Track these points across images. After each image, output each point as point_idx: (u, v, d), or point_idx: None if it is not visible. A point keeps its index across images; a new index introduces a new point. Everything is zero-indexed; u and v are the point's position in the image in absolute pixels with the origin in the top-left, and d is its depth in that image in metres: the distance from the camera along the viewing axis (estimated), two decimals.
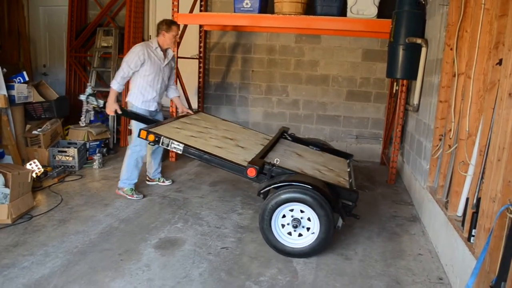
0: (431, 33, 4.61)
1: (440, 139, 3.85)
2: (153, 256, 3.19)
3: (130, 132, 6.51)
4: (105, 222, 3.78)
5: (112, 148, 6.35)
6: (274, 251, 3.34)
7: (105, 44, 6.94)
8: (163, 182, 4.92)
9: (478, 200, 2.65)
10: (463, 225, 2.92)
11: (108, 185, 4.78)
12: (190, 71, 6.98)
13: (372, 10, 5.40)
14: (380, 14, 5.42)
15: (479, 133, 2.85)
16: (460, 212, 3.10)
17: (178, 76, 5.96)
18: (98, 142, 5.94)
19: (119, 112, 4.34)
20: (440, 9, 4.18)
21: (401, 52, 4.75)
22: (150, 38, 7.20)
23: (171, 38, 4.37)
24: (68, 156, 5.26)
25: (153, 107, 4.51)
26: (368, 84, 6.60)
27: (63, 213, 3.93)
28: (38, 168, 4.82)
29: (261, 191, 3.42)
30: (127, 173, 4.43)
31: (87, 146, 5.73)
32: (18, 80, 5.34)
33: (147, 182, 4.86)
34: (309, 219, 3.27)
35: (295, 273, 3.07)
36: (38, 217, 3.80)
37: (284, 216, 3.30)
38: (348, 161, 4.50)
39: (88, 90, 4.36)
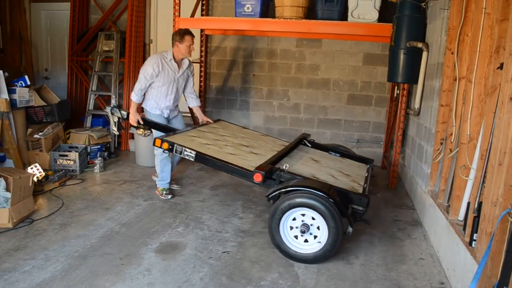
0: (432, 37, 4.62)
1: (441, 143, 3.84)
2: (154, 260, 3.19)
3: (131, 136, 6.54)
4: (106, 226, 3.77)
5: (113, 152, 6.35)
6: (275, 255, 3.34)
7: (107, 48, 6.96)
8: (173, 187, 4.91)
9: (480, 204, 2.65)
10: (464, 229, 2.92)
11: (109, 189, 4.78)
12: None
13: (373, 14, 5.41)
14: (381, 18, 5.43)
15: (480, 137, 2.84)
16: (461, 216, 3.09)
17: None
18: (99, 146, 5.94)
19: (141, 122, 4.50)
20: (441, 14, 4.19)
21: (402, 56, 4.76)
22: (152, 43, 7.22)
23: (185, 49, 4.39)
24: (69, 160, 5.27)
25: (166, 114, 4.64)
26: (369, 88, 6.60)
27: (64, 217, 3.93)
28: (40, 172, 4.82)
29: (269, 196, 3.41)
30: (160, 174, 4.55)
31: (88, 150, 5.73)
32: (20, 84, 5.35)
33: (153, 178, 4.88)
34: (318, 228, 3.26)
35: (296, 277, 3.06)
36: (39, 221, 3.80)
37: (294, 219, 3.30)
38: (368, 166, 4.46)
39: (112, 102, 4.47)
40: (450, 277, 3.11)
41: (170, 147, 3.78)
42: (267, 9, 5.92)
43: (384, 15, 5.44)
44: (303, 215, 3.27)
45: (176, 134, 4.15)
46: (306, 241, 3.30)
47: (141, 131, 5.52)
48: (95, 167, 5.46)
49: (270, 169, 3.42)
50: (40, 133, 5.46)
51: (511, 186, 2.18)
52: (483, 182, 2.67)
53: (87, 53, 7.43)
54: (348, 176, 3.92)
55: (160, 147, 3.83)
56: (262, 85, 6.93)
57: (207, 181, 5.31)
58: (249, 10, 5.60)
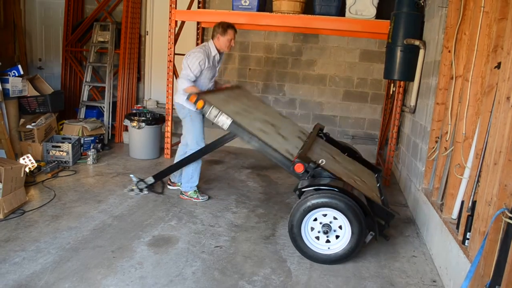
0: (429, 35, 4.61)
1: (436, 141, 3.84)
2: (146, 253, 3.17)
3: (125, 128, 6.49)
4: (98, 218, 3.75)
5: (107, 144, 6.31)
6: (268, 250, 3.33)
7: (102, 39, 6.88)
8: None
9: (474, 203, 2.65)
10: (457, 227, 2.92)
11: (102, 181, 4.74)
12: None
13: (370, 11, 5.38)
14: (379, 15, 5.41)
15: (476, 136, 2.84)
16: (455, 214, 3.10)
17: (175, 73, 5.93)
18: (92, 138, 5.90)
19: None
20: (439, 11, 4.17)
21: (399, 54, 4.74)
22: (147, 34, 7.16)
23: (225, 42, 4.21)
24: (62, 151, 5.22)
25: None
26: (365, 84, 6.59)
27: (56, 208, 3.90)
28: (32, 163, 4.77)
29: (303, 189, 3.34)
30: (191, 175, 4.36)
31: (82, 141, 5.68)
32: (13, 74, 5.29)
33: (168, 187, 4.66)
34: (337, 237, 3.26)
35: (288, 273, 3.05)
36: (31, 213, 3.76)
37: (315, 219, 3.26)
38: (376, 175, 4.35)
39: (134, 179, 4.43)
40: (442, 275, 3.12)
41: (205, 107, 3.50)
42: (265, 3, 5.88)
43: (382, 11, 5.42)
44: (324, 215, 3.24)
45: (206, 94, 3.81)
46: (328, 241, 3.26)
47: (135, 123, 5.51)
48: (88, 159, 5.41)
49: (309, 161, 3.34)
50: (33, 124, 5.41)
51: (506, 185, 2.18)
52: (478, 181, 2.67)
53: (82, 44, 7.35)
54: (365, 184, 3.81)
55: (194, 103, 3.58)
56: (258, 80, 6.90)
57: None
58: (246, 4, 5.56)
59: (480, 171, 2.64)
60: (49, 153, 5.20)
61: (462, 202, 2.93)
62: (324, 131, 4.75)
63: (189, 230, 3.63)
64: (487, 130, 2.57)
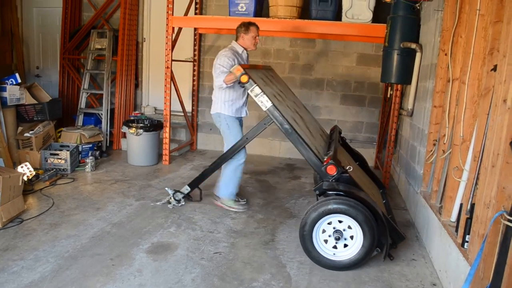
0: (425, 38, 4.62)
1: (434, 144, 3.85)
2: (145, 261, 3.16)
3: (123, 135, 6.49)
4: (97, 226, 3.73)
5: (105, 151, 6.30)
6: (267, 255, 3.32)
7: (99, 46, 6.90)
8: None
9: (472, 206, 2.65)
10: (457, 230, 2.92)
11: (100, 189, 4.73)
12: (184, 74, 6.96)
13: (367, 15, 5.41)
14: (375, 19, 5.43)
15: (474, 139, 2.84)
16: (454, 217, 3.09)
17: (172, 79, 5.93)
18: (90, 145, 5.89)
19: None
20: (435, 15, 4.19)
21: (395, 57, 4.76)
22: (145, 41, 7.17)
23: (250, 40, 4.20)
24: (60, 159, 5.21)
25: (244, 112, 4.34)
26: (363, 88, 6.60)
27: (55, 217, 3.89)
28: (30, 171, 4.76)
29: (329, 191, 3.29)
30: (229, 182, 4.32)
31: (80, 149, 5.68)
32: (11, 82, 5.29)
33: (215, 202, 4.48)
34: (345, 245, 3.25)
35: (288, 278, 3.04)
36: (29, 221, 3.75)
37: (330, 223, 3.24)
38: (381, 191, 4.31)
39: (169, 191, 4.36)
40: (442, 278, 3.11)
41: (248, 84, 3.45)
42: (261, 8, 5.91)
43: (378, 15, 5.45)
44: (340, 221, 3.21)
45: (251, 70, 3.71)
46: (335, 247, 3.25)
47: (133, 130, 5.51)
48: (87, 166, 5.41)
49: (340, 165, 3.31)
50: (31, 132, 5.40)
51: (504, 188, 2.18)
52: (476, 183, 2.67)
53: (79, 51, 7.37)
54: (375, 197, 3.72)
55: (238, 77, 3.54)
56: None
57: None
58: (243, 9, 5.58)
59: (478, 174, 2.64)
60: (47, 161, 5.19)
61: (461, 205, 2.93)
62: None
63: (188, 237, 3.62)
64: (485, 133, 2.57)
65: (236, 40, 4.27)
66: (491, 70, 2.59)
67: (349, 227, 3.20)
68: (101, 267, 3.02)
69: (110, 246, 3.36)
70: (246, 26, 4.19)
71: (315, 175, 4.95)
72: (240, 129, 4.32)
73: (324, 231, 3.24)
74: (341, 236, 3.19)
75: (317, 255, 3.22)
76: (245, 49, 4.27)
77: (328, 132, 4.76)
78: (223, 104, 4.21)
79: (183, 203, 4.36)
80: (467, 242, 2.67)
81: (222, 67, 4.02)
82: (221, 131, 4.36)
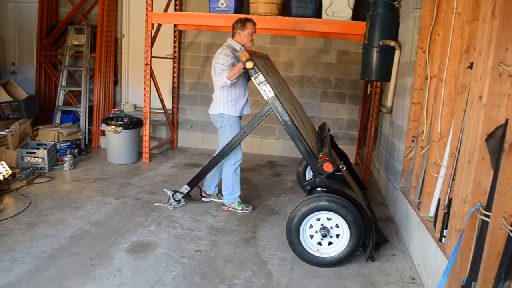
0: (404, 36, 4.67)
1: (413, 141, 3.90)
2: (125, 260, 3.12)
3: (102, 132, 6.40)
4: (76, 225, 3.68)
5: (84, 149, 6.21)
6: (248, 253, 3.33)
7: (77, 43, 6.78)
8: (219, 198, 4.51)
9: (450, 201, 2.69)
10: (435, 225, 2.96)
11: (79, 187, 4.66)
12: (164, 71, 6.90)
13: (347, 13, 5.44)
14: (355, 17, 5.47)
15: (451, 135, 2.89)
16: (432, 213, 3.14)
17: (152, 76, 5.87)
18: (69, 143, 5.80)
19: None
20: (413, 13, 4.24)
21: (375, 55, 4.79)
22: (124, 37, 7.08)
23: (247, 36, 4.11)
24: (37, 157, 5.11)
25: (246, 110, 4.30)
26: (343, 85, 6.65)
27: (32, 216, 3.81)
28: (6, 170, 4.63)
29: (314, 187, 3.33)
30: (232, 186, 4.25)
31: (58, 147, 5.58)
32: None
33: (203, 199, 4.51)
34: (330, 243, 3.27)
35: (269, 275, 3.05)
36: (5, 221, 3.67)
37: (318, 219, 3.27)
38: (362, 192, 4.27)
39: (168, 192, 4.27)
40: (421, 272, 3.16)
41: (253, 71, 3.40)
42: (242, 5, 5.89)
43: (358, 13, 5.49)
44: (329, 219, 3.24)
45: (255, 57, 3.65)
46: (319, 243, 3.28)
47: (112, 127, 5.44)
48: (65, 165, 5.32)
49: (335, 163, 3.33)
50: (7, 130, 5.29)
51: (480, 183, 2.22)
52: (453, 179, 2.72)
53: (57, 48, 7.24)
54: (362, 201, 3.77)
55: (244, 62, 3.46)
56: None
57: (180, 178, 5.25)
58: (223, 6, 5.55)
59: (455, 170, 2.68)
60: (24, 159, 5.09)
61: (439, 200, 2.98)
62: None
63: (169, 235, 3.60)
64: (461, 129, 2.61)
65: (233, 37, 4.18)
66: (468, 67, 2.63)
67: (337, 226, 3.23)
68: (80, 267, 2.98)
69: (89, 245, 3.31)
70: (243, 22, 4.11)
71: (298, 172, 4.99)
72: (240, 128, 4.24)
73: (311, 226, 3.26)
74: (327, 233, 3.21)
75: (301, 249, 3.24)
76: (242, 45, 4.14)
77: (317, 128, 4.77)
78: (226, 104, 4.12)
79: (184, 203, 4.30)
80: (444, 236, 2.71)
81: (222, 65, 3.94)
82: (221, 131, 4.27)
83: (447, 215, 2.69)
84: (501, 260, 1.90)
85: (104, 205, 4.19)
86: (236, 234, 3.71)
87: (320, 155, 3.38)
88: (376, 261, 3.36)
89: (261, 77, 3.43)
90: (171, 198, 4.24)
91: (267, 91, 3.45)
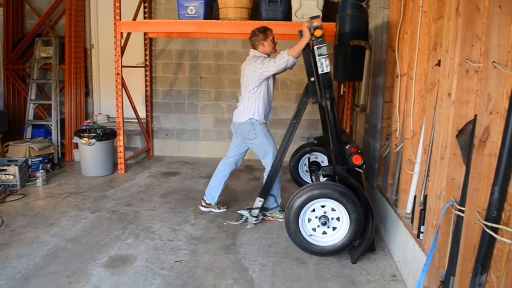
0: (374, 35, 4.72)
1: (387, 139, 3.94)
2: (103, 275, 3.05)
3: (76, 145, 6.26)
4: (51, 243, 3.57)
5: (57, 163, 6.06)
6: (229, 260, 3.29)
7: (45, 55, 6.62)
8: (219, 208, 4.45)
9: (425, 197, 2.72)
10: (412, 222, 2.99)
11: (53, 203, 4.54)
12: (136, 80, 6.81)
13: (316, 14, 5.46)
14: (325, 18, 5.48)
15: (423, 132, 2.92)
16: (409, 209, 3.17)
17: (123, 85, 5.78)
18: (41, 158, 5.65)
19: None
20: (381, 12, 4.29)
21: (346, 55, 4.83)
22: (93, 48, 6.96)
23: (270, 44, 4.11)
24: (8, 174, 4.95)
25: (270, 118, 4.29)
26: None
27: (4, 236, 3.69)
28: None
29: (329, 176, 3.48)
30: (272, 191, 4.13)
31: (29, 162, 5.42)
32: None
33: (202, 209, 4.39)
34: (324, 233, 3.33)
35: (251, 282, 3.02)
36: None
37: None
38: None
39: (244, 212, 4.12)
40: (401, 269, 3.18)
41: (322, 39, 3.43)
42: (211, 10, 5.86)
43: (327, 14, 5.52)
44: (333, 209, 3.30)
45: None
46: (324, 233, 3.33)
47: (85, 139, 5.32)
48: (37, 181, 5.18)
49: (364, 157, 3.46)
50: None
51: (453, 179, 2.25)
52: (427, 175, 2.75)
53: (24, 61, 7.06)
54: None
55: (312, 29, 3.50)
56: (210, 87, 6.85)
57: (157, 188, 5.18)
58: (193, 12, 5.51)
59: (429, 166, 2.71)
60: None
61: (415, 197, 3.01)
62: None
63: (147, 247, 3.53)
64: (433, 126, 2.64)
65: (256, 49, 4.10)
66: (436, 65, 2.67)
67: (338, 219, 3.29)
68: (56, 285, 2.89)
69: (65, 263, 3.22)
70: (263, 32, 4.05)
71: (290, 166, 5.17)
72: (271, 134, 4.20)
73: (314, 210, 3.31)
74: (327, 220, 3.27)
75: (295, 229, 3.27)
76: (268, 55, 4.11)
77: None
78: (256, 109, 4.03)
79: (262, 216, 4.15)
80: (422, 233, 2.74)
81: (264, 59, 3.97)
82: (256, 145, 4.16)
83: (423, 211, 2.72)
84: (477, 254, 1.91)
85: (79, 220, 4.09)
86: (216, 242, 3.67)
87: (349, 147, 3.42)
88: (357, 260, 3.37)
89: (324, 49, 3.42)
90: (249, 216, 4.06)
91: (324, 65, 3.45)
